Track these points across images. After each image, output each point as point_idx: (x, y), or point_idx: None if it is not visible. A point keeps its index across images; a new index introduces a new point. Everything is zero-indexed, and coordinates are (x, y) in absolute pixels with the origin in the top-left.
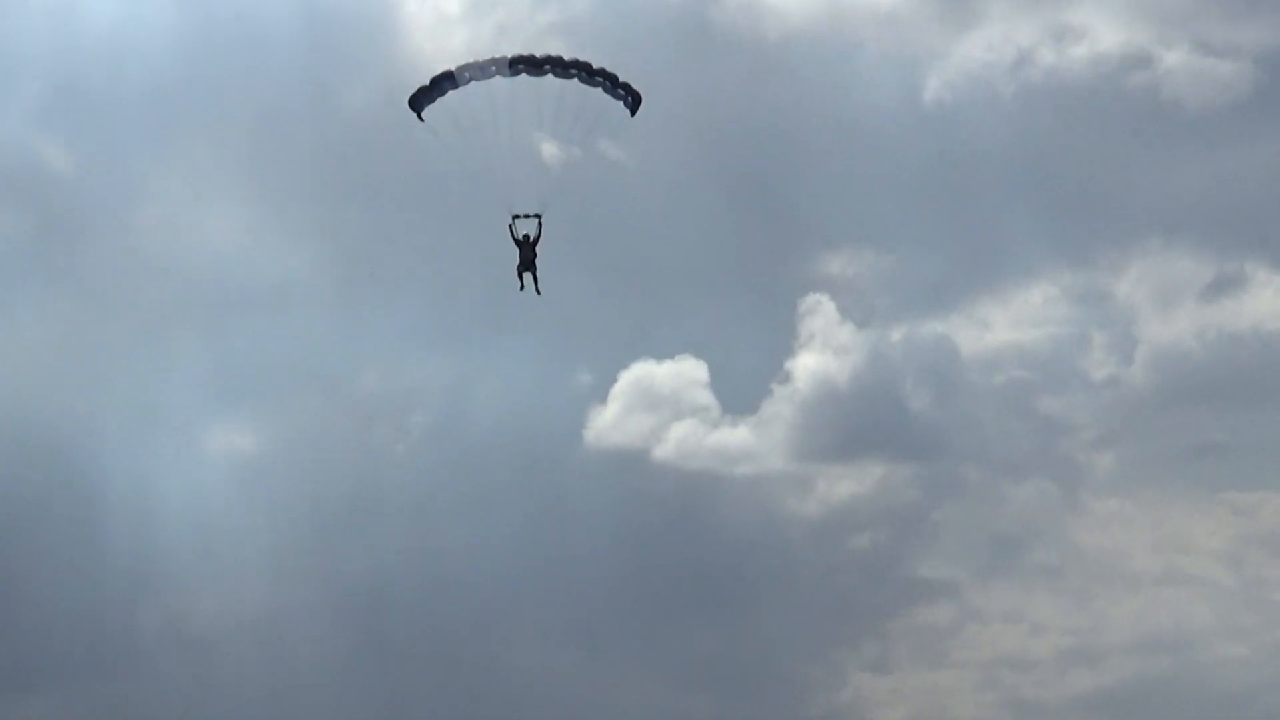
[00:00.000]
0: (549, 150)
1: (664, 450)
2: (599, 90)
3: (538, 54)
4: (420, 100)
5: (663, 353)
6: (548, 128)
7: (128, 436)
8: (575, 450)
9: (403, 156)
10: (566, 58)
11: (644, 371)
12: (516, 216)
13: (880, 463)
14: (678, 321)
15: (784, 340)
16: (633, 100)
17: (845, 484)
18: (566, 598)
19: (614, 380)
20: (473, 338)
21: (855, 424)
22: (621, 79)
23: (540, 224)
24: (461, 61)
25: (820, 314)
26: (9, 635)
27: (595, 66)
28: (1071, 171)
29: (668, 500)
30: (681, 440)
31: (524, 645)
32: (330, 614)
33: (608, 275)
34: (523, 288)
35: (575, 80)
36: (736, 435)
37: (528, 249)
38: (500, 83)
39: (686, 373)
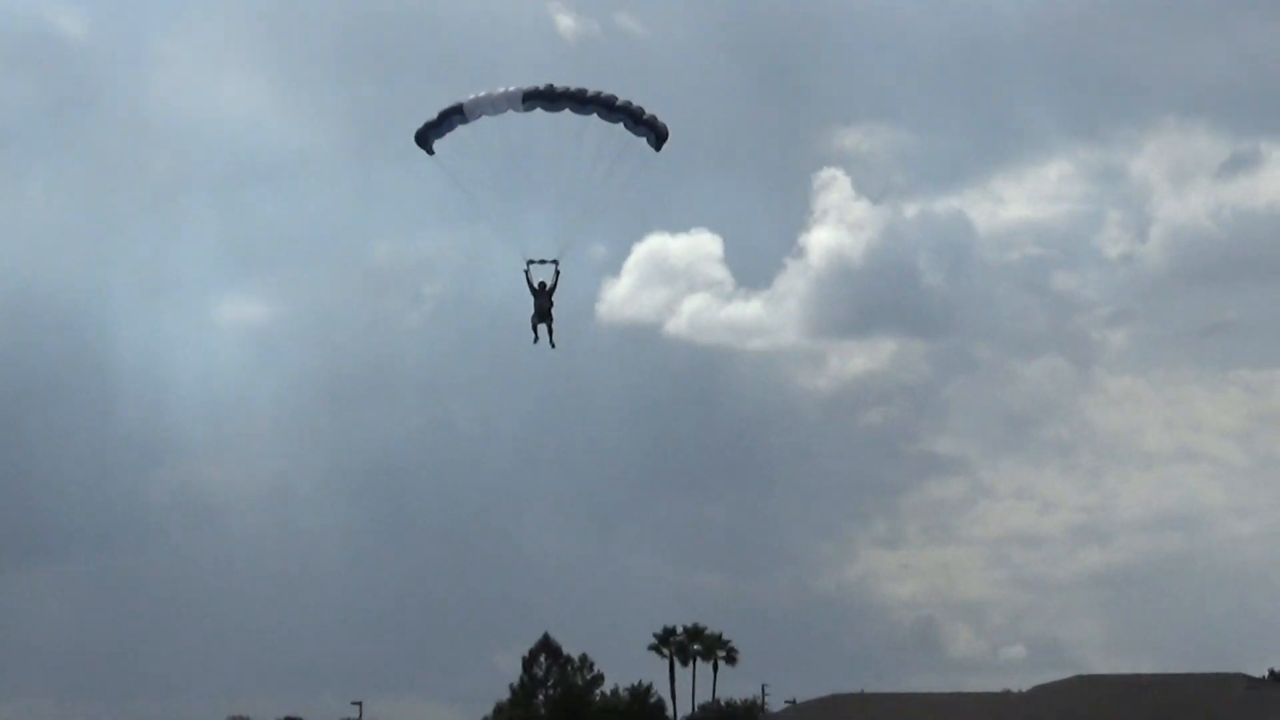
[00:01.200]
0: (567, 177)
1: (677, 324)
2: (620, 126)
3: (555, 86)
4: (428, 135)
5: (677, 226)
6: (565, 166)
7: (139, 307)
8: (588, 323)
9: (418, 28)
10: (587, 91)
11: (658, 245)
12: (531, 262)
13: (893, 338)
14: (692, 195)
15: (798, 215)
16: (656, 137)
17: (858, 359)
18: (578, 472)
19: (628, 253)
20: (486, 209)
21: (868, 300)
22: (647, 112)
23: (557, 271)
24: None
25: (835, 189)
26: (20, 505)
27: (618, 101)
28: (1088, 49)
29: (680, 374)
30: (694, 314)
31: (536, 520)
32: (340, 486)
33: (622, 146)
34: (536, 339)
35: (595, 115)
36: (749, 309)
37: (544, 298)
38: (514, 118)
39: (700, 246)
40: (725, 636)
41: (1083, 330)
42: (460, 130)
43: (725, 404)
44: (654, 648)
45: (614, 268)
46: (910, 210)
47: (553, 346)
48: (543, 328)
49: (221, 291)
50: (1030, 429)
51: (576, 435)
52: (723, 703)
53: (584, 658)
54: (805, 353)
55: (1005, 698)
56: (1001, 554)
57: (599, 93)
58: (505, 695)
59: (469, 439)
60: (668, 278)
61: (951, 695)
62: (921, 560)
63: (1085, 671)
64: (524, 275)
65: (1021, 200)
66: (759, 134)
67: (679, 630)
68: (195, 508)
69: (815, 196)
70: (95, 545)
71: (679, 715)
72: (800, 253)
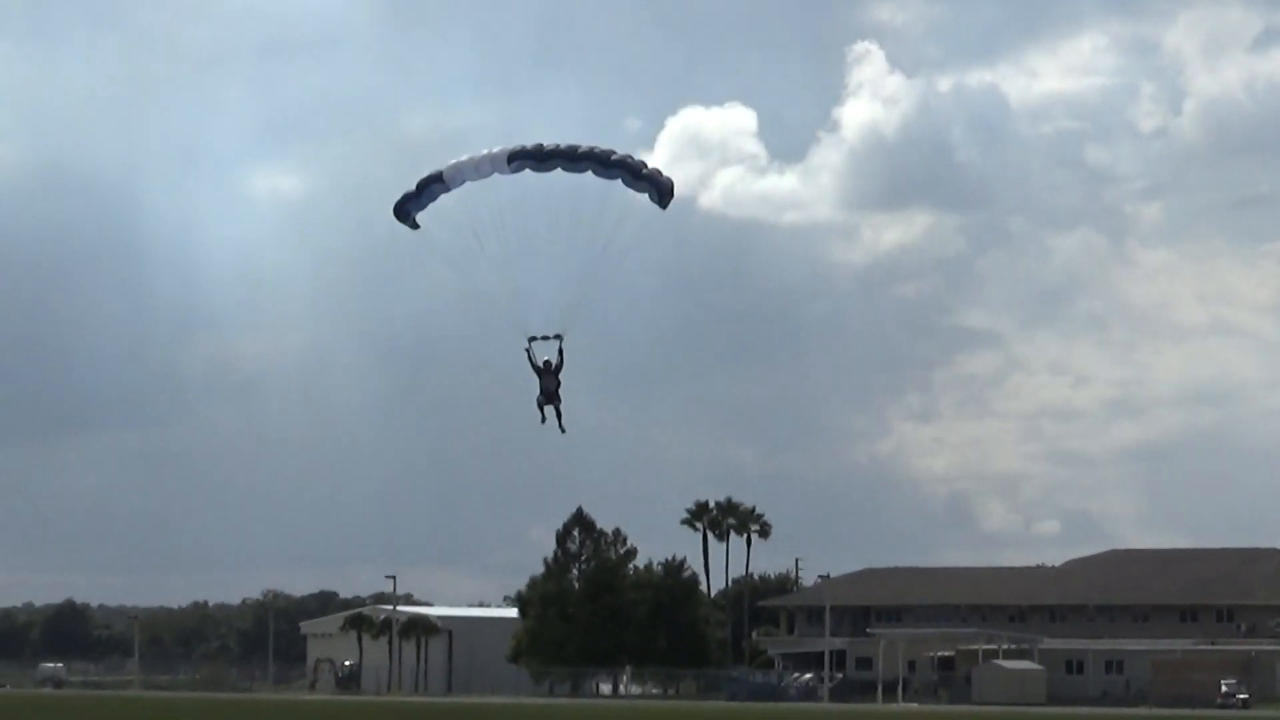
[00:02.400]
0: (565, 244)
1: (711, 197)
2: (618, 183)
3: (544, 144)
4: (407, 208)
5: (711, 99)
6: (562, 232)
7: (172, 179)
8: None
9: None
10: (579, 147)
11: (692, 118)
12: (533, 339)
13: (926, 212)
14: (726, 68)
15: (832, 88)
16: (659, 193)
17: (891, 233)
18: (611, 346)
19: (661, 126)
20: (520, 82)
21: (902, 173)
22: (649, 167)
23: (561, 349)
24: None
25: (869, 62)
26: (54, 378)
27: (614, 156)
28: None
29: (713, 248)
30: (728, 187)
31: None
32: (373, 358)
33: (657, 20)
34: (544, 420)
35: (589, 173)
36: (784, 183)
37: (549, 377)
38: (501, 181)
39: (734, 120)
40: (758, 510)
41: (1116, 204)
42: (445, 200)
43: (759, 278)
44: (687, 522)
45: (647, 141)
46: (944, 84)
47: (562, 431)
48: (550, 409)
49: (255, 164)
50: (1063, 303)
51: (609, 307)
52: (756, 577)
53: (617, 532)
54: (839, 226)
55: (1039, 572)
56: (1035, 428)
57: (593, 148)
58: (539, 569)
59: (503, 312)
60: (701, 151)
61: (985, 569)
62: (954, 434)
63: (1119, 546)
64: (526, 355)
65: (1055, 73)
66: (793, 7)
67: (712, 505)
68: (228, 380)
69: (849, 70)
70: (128, 418)
71: (712, 589)
72: (834, 126)
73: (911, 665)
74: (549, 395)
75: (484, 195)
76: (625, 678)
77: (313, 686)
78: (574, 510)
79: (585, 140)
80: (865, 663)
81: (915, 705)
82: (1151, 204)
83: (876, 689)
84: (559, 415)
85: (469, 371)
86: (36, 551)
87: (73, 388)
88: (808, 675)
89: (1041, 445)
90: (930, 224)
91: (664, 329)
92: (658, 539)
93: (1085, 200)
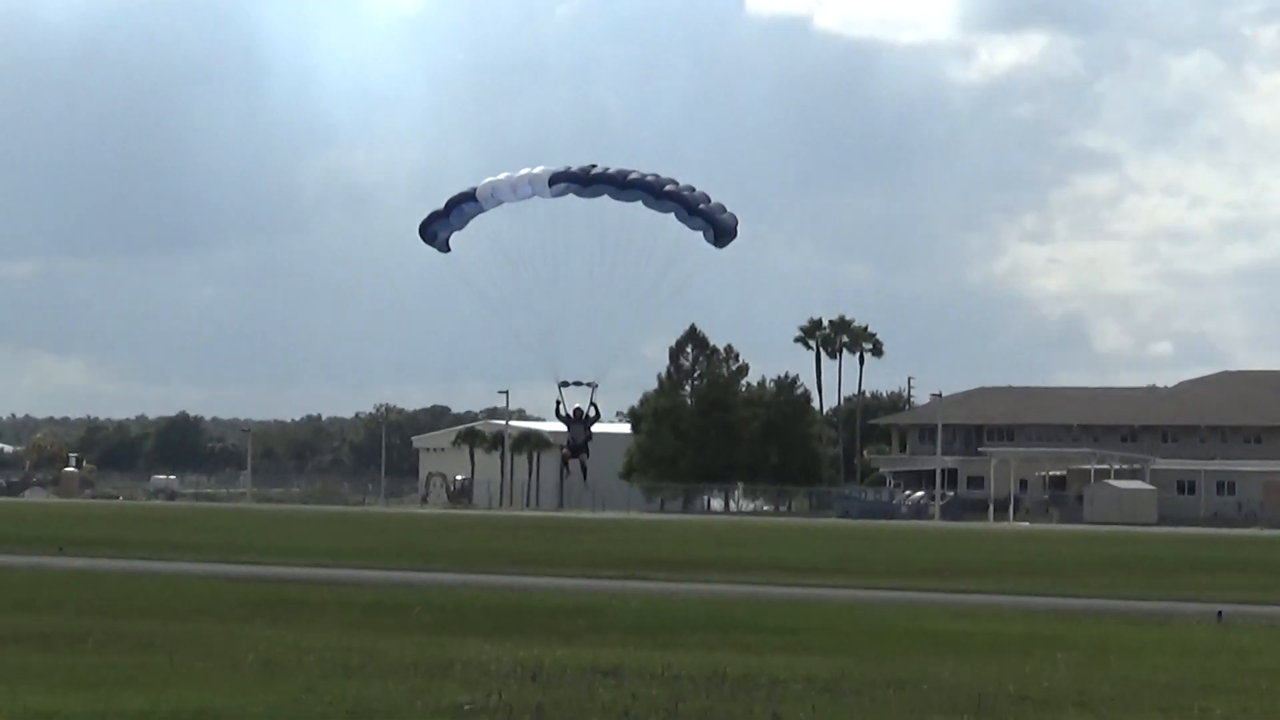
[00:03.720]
0: (607, 280)
1: (827, 17)
2: (671, 217)
3: (592, 167)
4: (434, 229)
5: None
6: (604, 265)
7: None
8: (738, 15)
9: None
10: (630, 173)
11: None
12: (564, 384)
13: (1044, 32)
14: None
15: None
16: (716, 233)
17: (1008, 54)
18: (727, 164)
19: None
20: None
21: None
22: (709, 202)
23: (594, 399)
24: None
25: None
26: (171, 193)
27: (668, 187)
28: None
29: (830, 67)
30: (845, 7)
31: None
32: (488, 171)
33: None
34: (568, 473)
35: (639, 203)
36: (901, 2)
37: (578, 427)
38: (540, 205)
39: None
40: (872, 329)
41: (1234, 26)
42: (480, 221)
43: (875, 97)
44: (800, 340)
45: None
46: None
47: (585, 485)
48: (577, 463)
49: None
50: (1180, 125)
51: (725, 126)
52: (868, 395)
53: (730, 349)
54: (955, 47)
55: (1151, 393)
56: (1150, 249)
57: (644, 176)
58: (652, 385)
59: (617, 128)
60: None
61: (1098, 390)
62: (1069, 255)
63: (1232, 367)
64: (556, 406)
65: None
66: None
67: (825, 322)
68: (345, 195)
69: None
70: (245, 231)
71: (824, 407)
72: None
73: (1023, 484)
74: (576, 449)
75: (521, 217)
76: (737, 494)
77: (424, 500)
78: (687, 327)
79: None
80: (977, 481)
81: (1026, 524)
82: (1270, 26)
83: (987, 508)
84: (584, 470)
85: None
86: (150, 364)
87: (189, 202)
88: (919, 493)
89: (1156, 266)
90: (1046, 45)
91: (780, 146)
92: (770, 357)
93: (1203, 22)
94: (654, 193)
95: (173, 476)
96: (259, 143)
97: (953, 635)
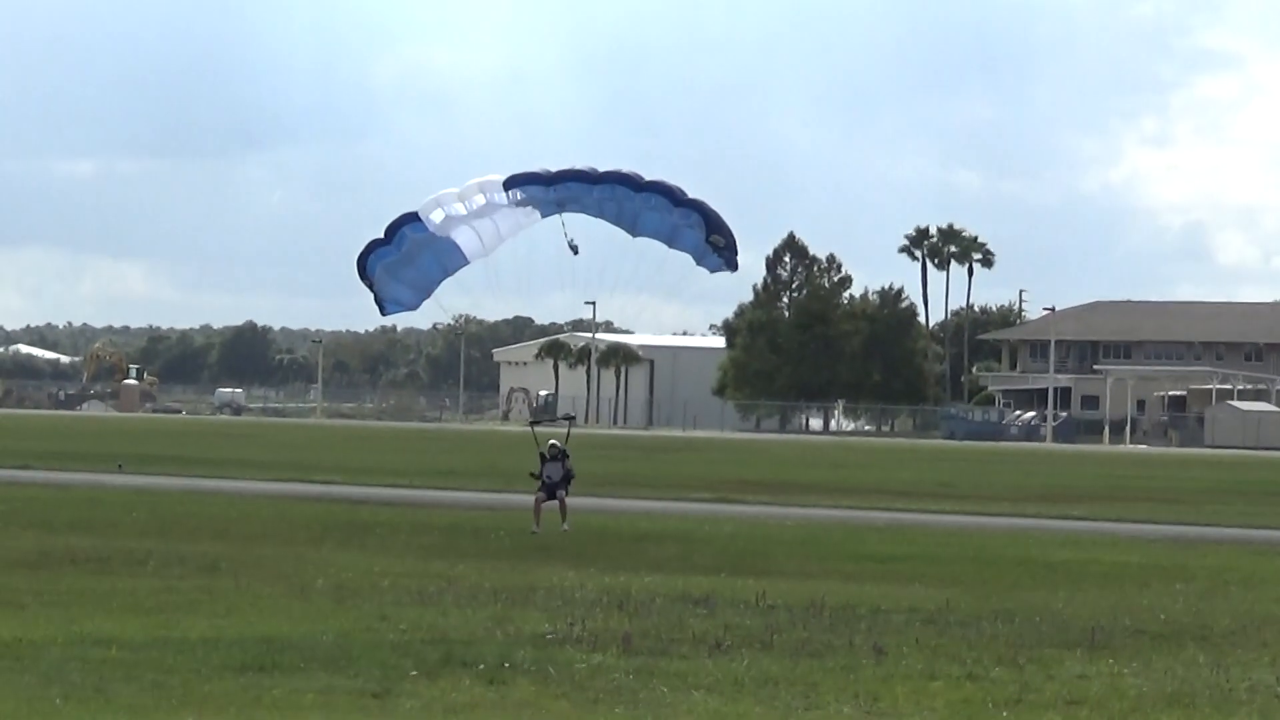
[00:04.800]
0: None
1: None
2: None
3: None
4: (370, 262)
5: None
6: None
7: None
8: None
9: None
10: (595, 170)
11: None
12: (535, 423)
13: None
14: None
15: None
16: (706, 226)
17: None
18: (830, 61)
19: None
20: None
21: None
22: (673, 185)
23: (567, 451)
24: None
25: None
26: (241, 92)
27: (644, 179)
28: None
29: None
30: None
31: (784, 111)
32: (576, 70)
33: None
34: (536, 530)
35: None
36: None
37: (553, 465)
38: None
39: None
40: (981, 239)
41: None
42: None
43: None
44: (905, 250)
45: None
46: None
47: (564, 528)
48: (552, 505)
49: None
50: None
51: (829, 24)
52: (977, 309)
53: (831, 258)
54: None
55: (1276, 309)
56: (1277, 156)
57: (614, 170)
58: (748, 297)
59: (714, 22)
60: None
61: (1220, 305)
62: (1191, 161)
63: None
64: (533, 436)
65: None
66: None
67: (933, 231)
68: (423, 94)
69: None
70: (317, 133)
71: (931, 321)
72: None
73: (1140, 404)
74: (550, 490)
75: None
76: (837, 413)
77: (505, 417)
78: (785, 235)
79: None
80: (1091, 401)
81: (1144, 446)
82: None
83: (1102, 429)
84: (563, 514)
85: (676, 86)
86: (216, 271)
87: (257, 100)
88: (1030, 413)
89: None
90: None
91: (887, 47)
92: (874, 267)
93: None
94: (632, 186)
95: (238, 390)
96: (331, 39)
97: (1065, 564)
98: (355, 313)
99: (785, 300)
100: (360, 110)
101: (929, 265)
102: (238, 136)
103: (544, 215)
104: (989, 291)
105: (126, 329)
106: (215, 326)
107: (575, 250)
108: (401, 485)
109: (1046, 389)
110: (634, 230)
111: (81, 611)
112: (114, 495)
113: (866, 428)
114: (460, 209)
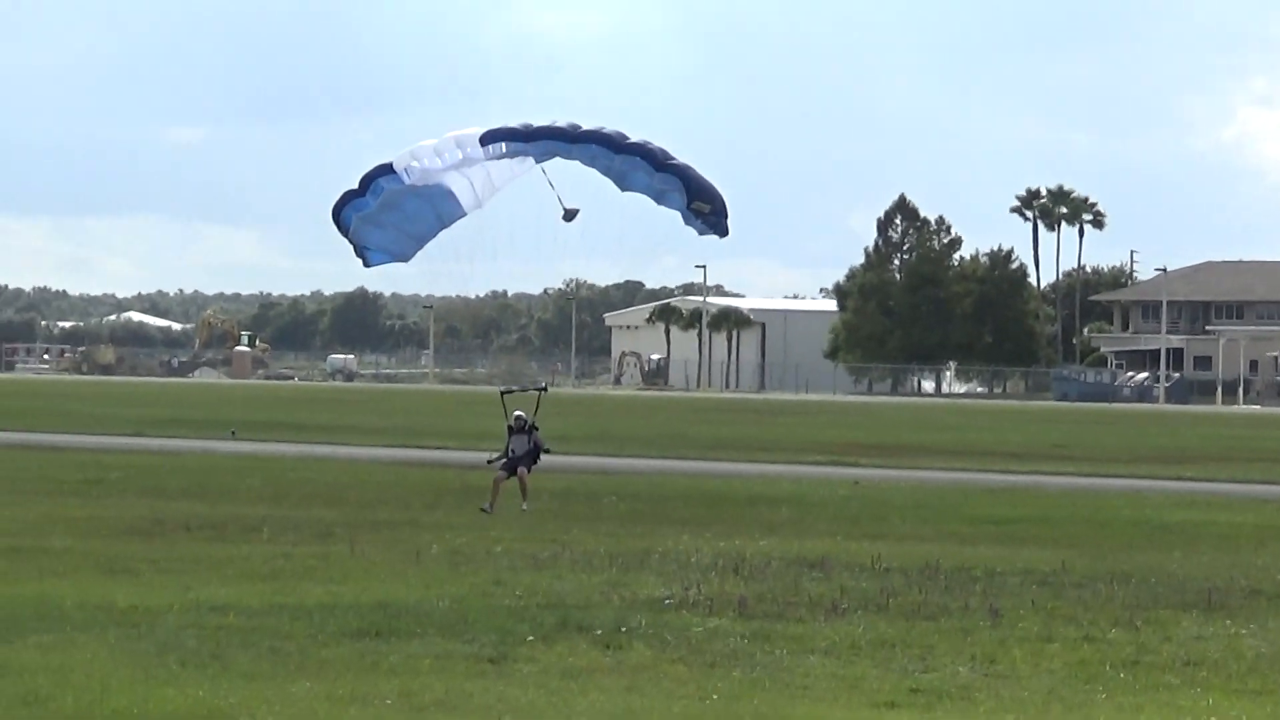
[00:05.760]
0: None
1: None
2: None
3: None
4: (346, 213)
5: None
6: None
7: None
8: None
9: None
10: (579, 127)
11: None
12: (507, 391)
13: None
14: None
15: None
16: (687, 192)
17: None
18: (939, 23)
19: None
20: None
21: None
22: (669, 158)
23: (536, 424)
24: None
25: None
26: (348, 54)
27: (627, 140)
28: None
29: None
30: None
31: (892, 77)
32: (682, 31)
33: None
34: (489, 509)
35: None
36: None
37: (520, 437)
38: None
39: None
40: (1092, 199)
41: None
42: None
43: None
44: (1016, 210)
45: None
46: None
47: (524, 508)
48: (511, 484)
49: None
50: None
51: None
52: (1088, 269)
53: (941, 220)
54: None
55: None
56: None
57: (596, 129)
58: (858, 259)
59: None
60: None
61: None
62: None
63: None
64: (501, 402)
65: None
66: None
67: (1043, 192)
68: (532, 57)
69: None
70: (424, 95)
71: (1042, 282)
72: None
73: (1254, 365)
74: (512, 466)
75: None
76: (948, 375)
77: (617, 381)
78: (896, 197)
79: None
80: (1204, 362)
81: (1257, 407)
82: None
83: (1215, 389)
84: (524, 492)
85: (787, 48)
86: (326, 238)
87: (365, 64)
88: (1142, 374)
89: None
90: None
91: (994, 6)
92: (984, 229)
93: None
94: (606, 144)
95: (350, 356)
96: (440, 2)
97: (1180, 525)
98: (466, 278)
99: (896, 262)
100: (469, 73)
101: (1040, 226)
102: (346, 101)
103: (538, 161)
104: (1100, 252)
105: (238, 296)
106: (326, 293)
107: (570, 217)
108: None
109: (1159, 350)
110: (622, 185)
111: (197, 578)
112: (227, 462)
113: (978, 390)
114: (438, 162)
